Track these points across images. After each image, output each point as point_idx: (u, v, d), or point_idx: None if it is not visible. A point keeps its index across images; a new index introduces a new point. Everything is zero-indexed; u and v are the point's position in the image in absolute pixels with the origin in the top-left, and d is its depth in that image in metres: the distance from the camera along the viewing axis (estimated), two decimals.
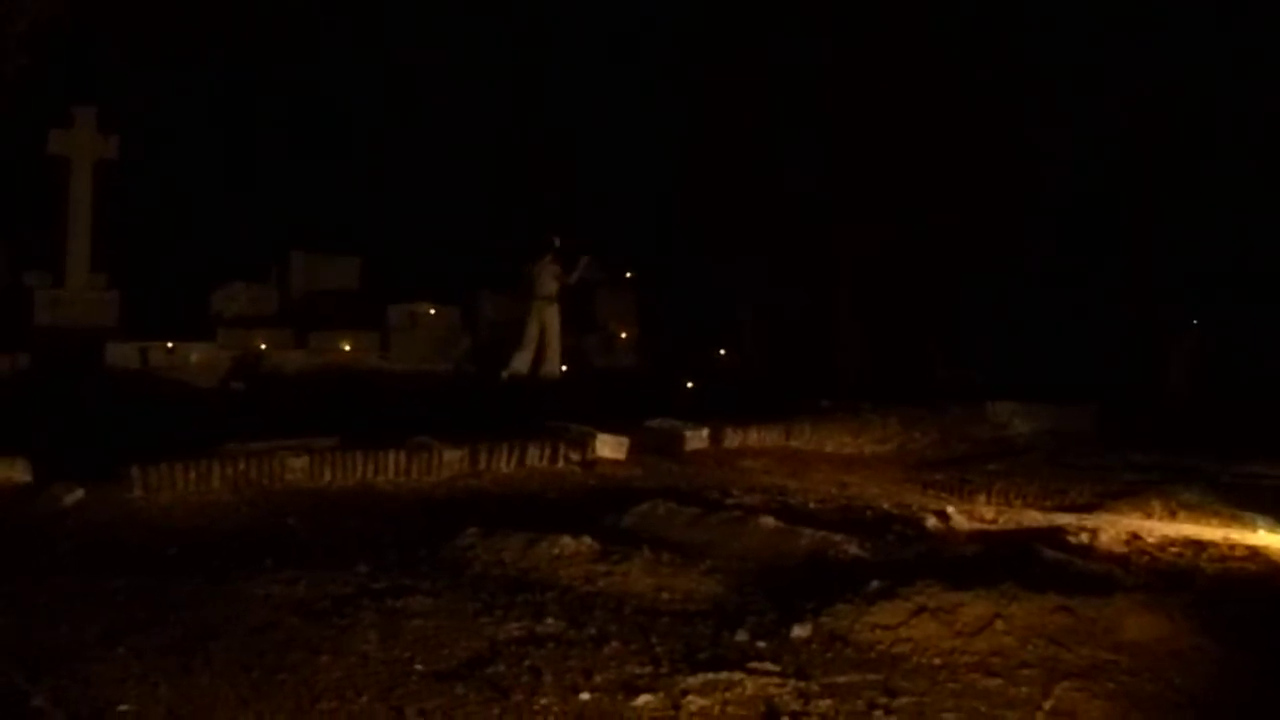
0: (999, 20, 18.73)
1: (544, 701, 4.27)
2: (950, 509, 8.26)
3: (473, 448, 9.28)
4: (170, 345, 15.08)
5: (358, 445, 8.82)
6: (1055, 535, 7.34)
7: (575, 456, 9.81)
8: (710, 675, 4.52)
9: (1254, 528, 8.12)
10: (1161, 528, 7.98)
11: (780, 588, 5.86)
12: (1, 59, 15.76)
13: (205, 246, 18.23)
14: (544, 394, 14.39)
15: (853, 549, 6.64)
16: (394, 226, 19.80)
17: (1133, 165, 20.66)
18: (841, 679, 4.59)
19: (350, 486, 8.43)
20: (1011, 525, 8.05)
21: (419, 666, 4.58)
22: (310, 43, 18.68)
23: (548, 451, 9.70)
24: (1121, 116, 20.20)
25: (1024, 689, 4.56)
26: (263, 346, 15.89)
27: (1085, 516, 8.29)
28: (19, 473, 7.78)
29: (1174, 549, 7.25)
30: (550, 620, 5.18)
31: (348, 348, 16.92)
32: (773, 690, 4.41)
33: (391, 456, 8.85)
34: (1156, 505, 8.81)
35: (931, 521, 7.74)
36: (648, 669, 4.63)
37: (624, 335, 20.21)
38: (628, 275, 21.12)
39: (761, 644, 4.97)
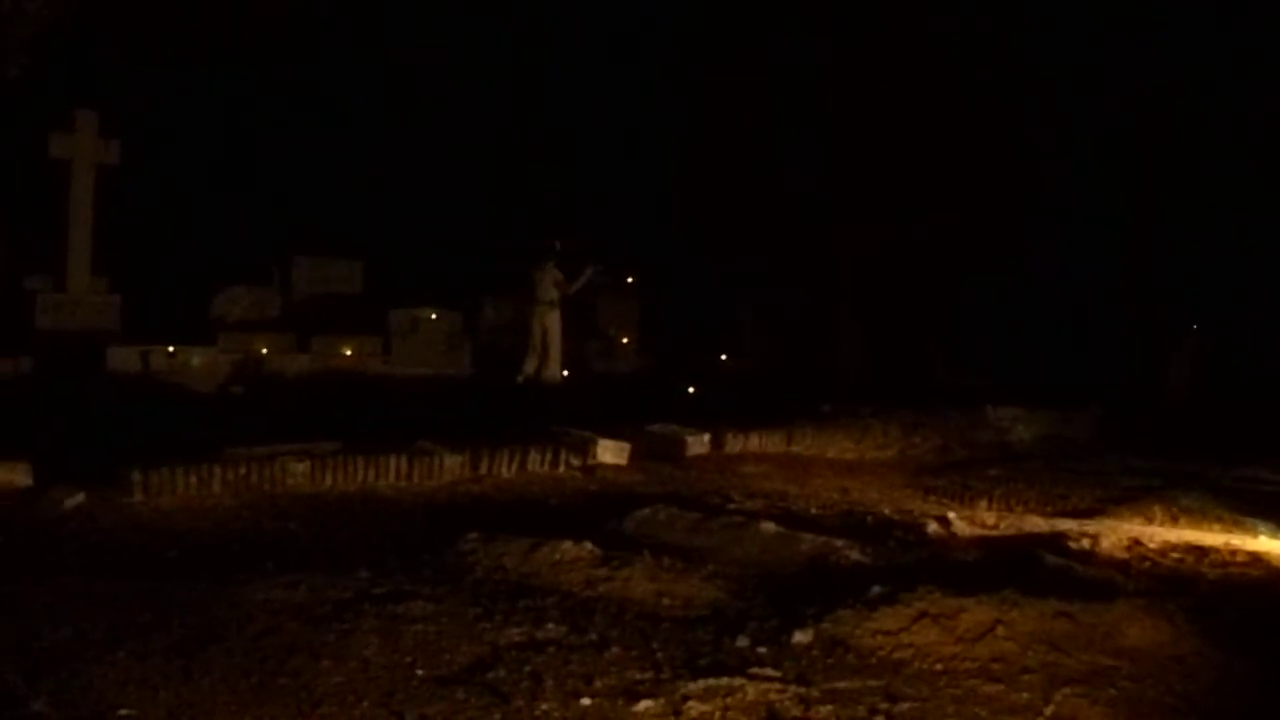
0: (999, 20, 18.73)
1: (545, 707, 4.27)
2: (951, 515, 8.26)
3: (474, 452, 9.29)
4: (171, 349, 15.07)
5: (359, 450, 8.83)
6: (1056, 541, 7.35)
7: (576, 461, 9.82)
8: (711, 681, 4.52)
9: (1255, 533, 8.13)
10: (1163, 533, 7.99)
11: (781, 593, 5.86)
12: (2, 61, 15.75)
13: (206, 250, 18.20)
14: (545, 399, 14.39)
15: (854, 554, 6.64)
16: (396, 230, 19.78)
17: (1133, 165, 20.66)
18: (842, 685, 4.59)
19: (352, 491, 8.43)
20: (1013, 531, 8.06)
21: (420, 671, 4.58)
22: (310, 43, 18.66)
23: (549, 456, 9.70)
24: (1121, 116, 20.21)
25: (1025, 694, 4.56)
26: (264, 350, 15.86)
27: (1086, 522, 8.29)
28: (20, 476, 7.78)
29: (1175, 554, 7.26)
30: (551, 625, 5.18)
31: (349, 352, 16.90)
32: (774, 696, 4.42)
33: (393, 461, 8.86)
34: (1158, 511, 8.82)
35: (933, 527, 7.74)
36: (649, 674, 4.63)
37: (625, 340, 20.21)
38: (629, 280, 21.11)
39: (762, 649, 4.97)
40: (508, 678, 4.54)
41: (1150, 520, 8.55)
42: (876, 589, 5.59)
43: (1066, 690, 4.60)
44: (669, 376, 16.91)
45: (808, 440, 11.76)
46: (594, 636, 5.08)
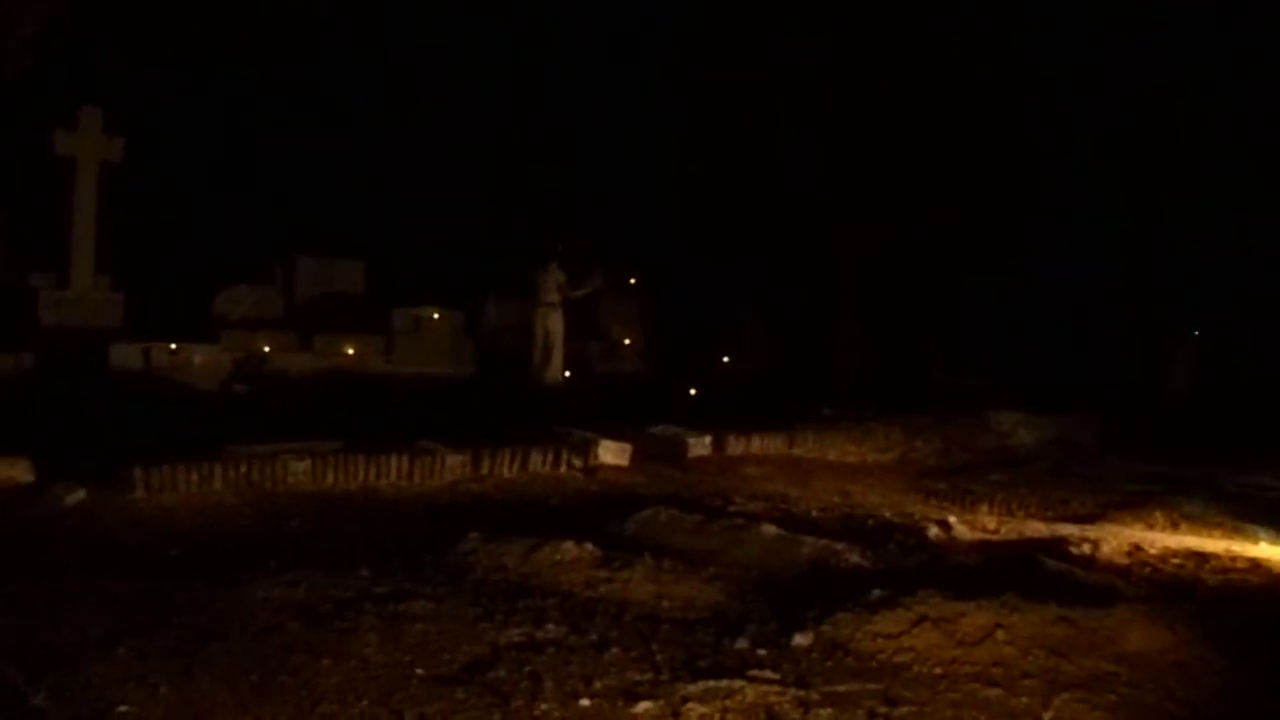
0: (999, 20, 18.73)
1: (544, 707, 4.27)
2: (952, 519, 8.26)
3: (475, 452, 9.30)
4: (174, 347, 15.10)
5: (361, 449, 8.83)
6: (1057, 546, 7.34)
7: (578, 462, 9.82)
8: (711, 683, 4.52)
9: (1256, 539, 8.12)
10: (1163, 539, 7.98)
11: (782, 596, 5.86)
12: (5, 60, 15.77)
13: (209, 248, 18.24)
14: (547, 399, 14.39)
15: (854, 558, 6.64)
16: (398, 229, 19.80)
17: (1133, 165, 20.66)
18: (842, 688, 4.59)
19: (353, 490, 8.43)
20: (1013, 535, 8.05)
21: (419, 671, 4.58)
22: (311, 43, 18.68)
23: (550, 457, 9.71)
24: (1121, 116, 20.20)
25: (1024, 699, 4.56)
26: (266, 349, 15.89)
27: (1087, 527, 8.29)
28: (21, 472, 7.79)
29: (1176, 560, 7.25)
30: (551, 626, 5.18)
31: (351, 351, 16.93)
32: (773, 699, 4.42)
33: (394, 460, 8.86)
34: (1159, 516, 8.82)
35: (933, 531, 7.74)
36: (648, 676, 4.63)
37: (627, 341, 20.22)
38: (630, 281, 21.12)
39: (762, 652, 4.97)
40: (507, 678, 4.54)
41: (1151, 526, 8.55)
42: (877, 592, 5.60)
43: (1066, 695, 4.60)
44: (670, 378, 16.93)
45: (809, 443, 11.76)
46: (594, 637, 5.08)
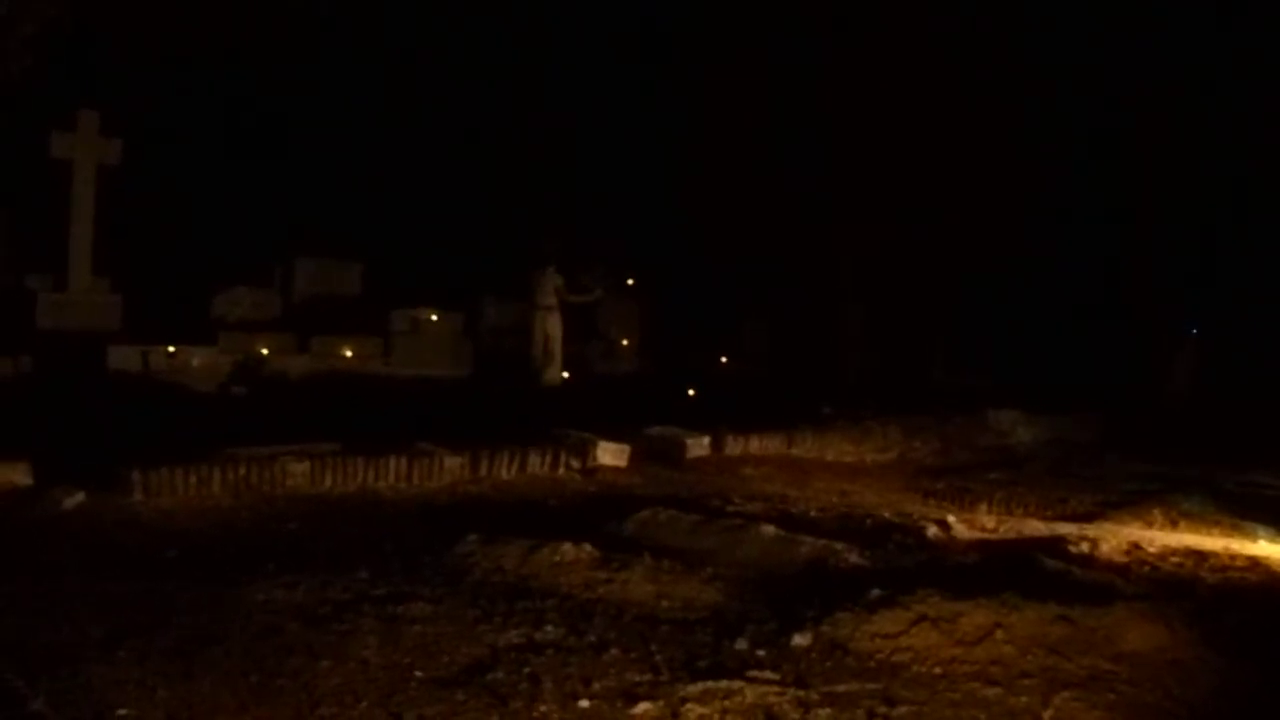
0: (999, 20, 18.73)
1: (543, 709, 4.28)
2: (951, 518, 8.26)
3: (474, 454, 9.30)
4: (172, 349, 15.09)
5: (359, 451, 8.83)
6: (1056, 545, 7.34)
7: (576, 463, 9.82)
8: (710, 683, 4.52)
9: (1255, 538, 8.12)
10: (1162, 537, 7.98)
11: (780, 596, 5.86)
12: (5, 60, 15.75)
13: (207, 250, 18.23)
14: (545, 400, 14.39)
15: (853, 557, 6.65)
16: (397, 230, 19.79)
17: (1133, 165, 20.67)
18: (841, 688, 4.59)
19: (351, 492, 8.44)
20: (1012, 534, 8.05)
21: (419, 673, 4.59)
22: (310, 43, 18.67)
23: (549, 458, 9.71)
24: (1121, 116, 20.21)
25: (1023, 699, 4.56)
26: (265, 351, 15.88)
27: (1086, 526, 8.29)
28: (20, 475, 7.78)
29: (1175, 559, 7.25)
30: (550, 627, 5.19)
31: (350, 353, 16.92)
32: (772, 699, 4.42)
33: (393, 462, 8.87)
34: (1157, 515, 8.82)
35: (932, 530, 7.74)
36: (647, 677, 4.63)
37: (625, 341, 20.22)
38: (629, 281, 21.11)
39: (761, 652, 4.97)
40: (506, 679, 4.54)
41: (1150, 524, 8.55)
42: (875, 592, 5.60)
43: (1065, 694, 4.60)
44: (669, 378, 16.92)
45: (807, 443, 11.76)
46: (593, 638, 5.08)
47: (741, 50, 19.92)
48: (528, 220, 18.96)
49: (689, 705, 4.32)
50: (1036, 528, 8.30)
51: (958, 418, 13.53)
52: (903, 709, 4.42)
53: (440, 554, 6.42)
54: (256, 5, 18.26)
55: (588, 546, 6.40)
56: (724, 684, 4.52)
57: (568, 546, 6.36)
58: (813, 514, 8.42)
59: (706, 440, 11.01)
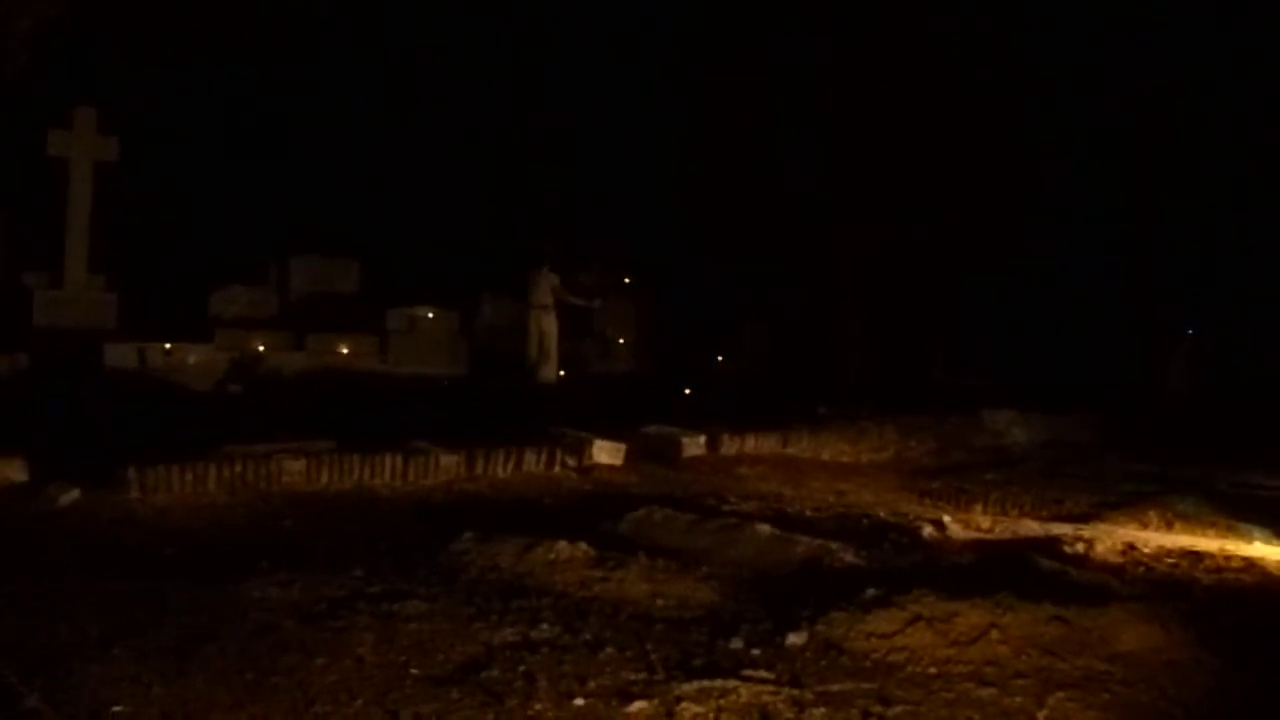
0: (999, 20, 18.75)
1: (538, 707, 4.27)
2: (946, 518, 8.27)
3: (470, 452, 9.30)
4: (168, 347, 15.09)
5: (355, 448, 8.83)
6: (1051, 545, 7.35)
7: (572, 462, 9.82)
8: (705, 682, 4.52)
9: (1250, 539, 8.12)
10: (1158, 538, 7.98)
11: (776, 595, 5.86)
12: (2, 59, 15.74)
13: (204, 248, 18.24)
14: (542, 399, 14.40)
15: (849, 557, 6.65)
16: (394, 229, 19.80)
17: (1133, 165, 20.68)
18: (836, 687, 4.59)
19: (347, 490, 8.44)
20: (1007, 535, 8.06)
21: (414, 671, 4.58)
22: (310, 43, 18.67)
23: (545, 457, 9.71)
24: (1121, 116, 20.22)
25: (1018, 699, 4.56)
26: (261, 349, 15.89)
27: (1081, 526, 8.29)
28: (15, 472, 7.79)
29: (1170, 560, 7.26)
30: (545, 626, 5.18)
31: (346, 351, 16.93)
32: (767, 698, 4.41)
33: (389, 460, 8.87)
34: (1153, 516, 8.80)
35: (928, 530, 7.74)
36: (642, 675, 4.63)
37: (622, 340, 20.22)
38: (626, 281, 21.12)
39: (756, 651, 4.97)
40: (501, 678, 4.54)
41: (1145, 525, 8.54)
42: (871, 592, 5.59)
43: (1060, 695, 4.59)
44: (666, 378, 16.93)
45: (803, 442, 11.75)
46: (588, 637, 5.08)
47: (741, 50, 19.93)
48: (526, 220, 18.97)
49: (684, 704, 4.31)
50: (1032, 528, 8.30)
51: (954, 418, 13.53)
52: (897, 709, 4.41)
53: (436, 552, 6.42)
54: (256, 5, 18.26)
55: (583, 545, 6.40)
56: (719, 683, 4.51)
57: (563, 545, 6.35)
58: (808, 513, 8.42)
59: (702, 439, 11.01)
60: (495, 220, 19.96)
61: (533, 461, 9.62)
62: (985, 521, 8.54)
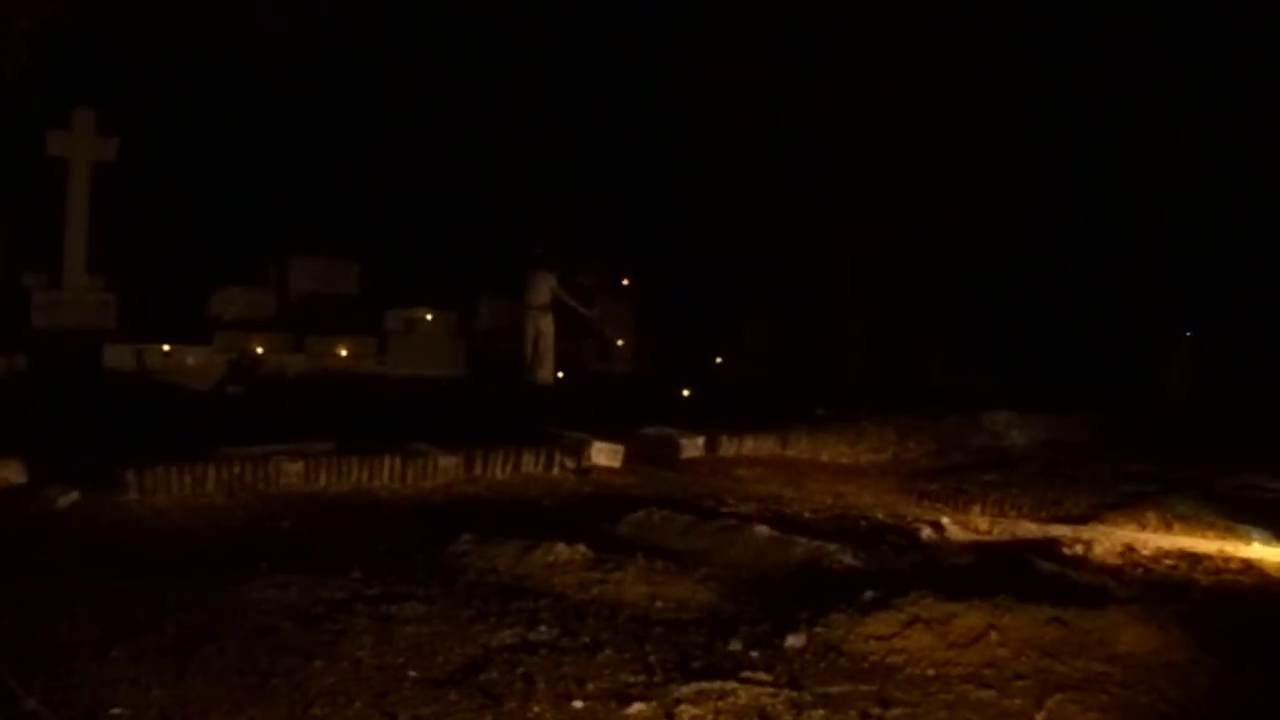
0: (999, 20, 18.75)
1: (537, 709, 4.27)
2: (945, 520, 8.27)
3: (468, 454, 9.29)
4: (167, 348, 15.08)
5: (354, 450, 8.83)
6: (1050, 547, 7.35)
7: (571, 464, 9.82)
8: (703, 684, 4.52)
9: (1249, 541, 8.12)
10: (1156, 540, 7.98)
11: (774, 597, 5.87)
12: (2, 58, 15.74)
13: (203, 249, 18.24)
14: (540, 400, 14.40)
15: (847, 559, 6.65)
16: (393, 230, 19.80)
17: (1133, 165, 20.68)
18: (834, 689, 4.59)
19: (346, 491, 8.43)
20: (1006, 536, 8.06)
21: (412, 673, 4.58)
22: (310, 43, 18.67)
23: (543, 458, 9.71)
24: (1121, 116, 20.23)
25: (1017, 700, 4.56)
26: (260, 350, 15.88)
27: (1080, 528, 8.28)
28: (14, 474, 7.78)
29: (1169, 561, 7.26)
30: (544, 628, 5.18)
31: (345, 352, 16.93)
32: (765, 700, 4.41)
33: (387, 462, 8.86)
34: (1152, 517, 8.80)
35: (926, 532, 7.74)
36: (641, 677, 4.63)
37: (621, 342, 20.22)
38: (625, 282, 21.12)
39: (755, 653, 4.97)
40: (500, 680, 4.54)
41: (1144, 526, 8.54)
42: (869, 593, 5.59)
43: (1058, 696, 4.60)
44: (665, 378, 16.92)
45: (802, 444, 11.75)
46: (586, 639, 5.08)
47: (741, 50, 19.94)
48: (526, 221, 18.97)
49: (682, 706, 4.32)
50: (1030, 529, 8.30)
51: (953, 419, 13.53)
52: (896, 711, 4.41)
53: (434, 554, 6.42)
54: (255, 5, 18.26)
55: (582, 547, 6.40)
56: (717, 685, 4.51)
57: (562, 547, 6.35)
58: (807, 515, 8.42)
59: (701, 441, 11.00)
60: (494, 221, 19.96)
61: (531, 463, 9.62)
62: (984, 523, 8.54)
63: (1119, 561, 7.17)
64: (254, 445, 8.61)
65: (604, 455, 10.06)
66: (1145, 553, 7.45)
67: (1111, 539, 7.80)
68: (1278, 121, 18.86)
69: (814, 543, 6.91)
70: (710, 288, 21.01)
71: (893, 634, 5.15)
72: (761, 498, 9.04)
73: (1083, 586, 6.12)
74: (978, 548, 7.52)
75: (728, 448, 11.17)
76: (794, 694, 4.49)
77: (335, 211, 19.65)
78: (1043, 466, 11.78)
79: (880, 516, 8.46)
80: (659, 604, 5.72)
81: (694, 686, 4.50)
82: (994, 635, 5.13)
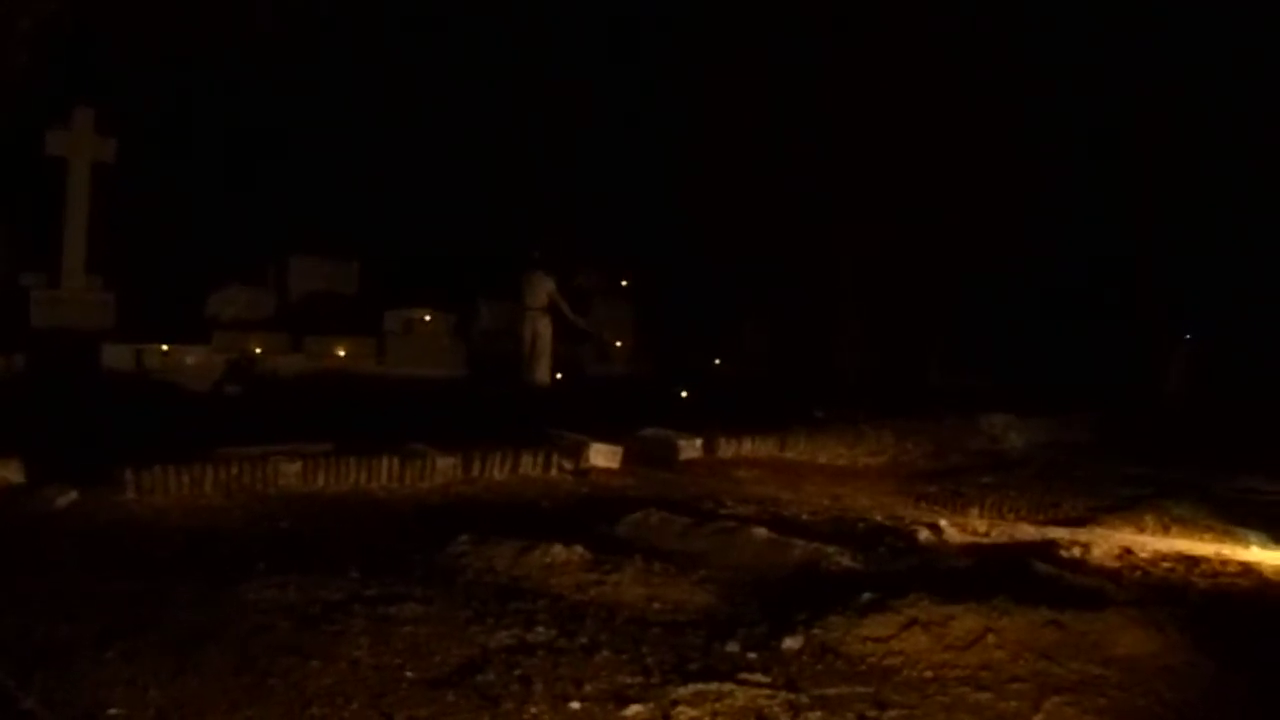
0: (999, 20, 18.76)
1: (534, 710, 4.27)
2: (943, 522, 8.26)
3: (466, 455, 9.29)
4: (166, 348, 15.08)
5: (352, 450, 8.82)
6: (1048, 549, 7.34)
7: (569, 465, 9.81)
8: (701, 686, 4.52)
9: (1247, 544, 8.12)
10: (1154, 542, 7.98)
11: (772, 599, 5.86)
12: (4, 56, 15.75)
13: (202, 249, 18.23)
14: (538, 401, 14.40)
15: (845, 561, 6.65)
16: (392, 231, 19.81)
17: (1133, 165, 20.69)
18: (831, 691, 4.59)
19: (344, 492, 8.42)
20: (1004, 539, 8.05)
21: (409, 673, 4.58)
22: (310, 43, 18.68)
23: (541, 459, 9.70)
24: (1121, 116, 20.24)
25: (1014, 703, 4.56)
26: (258, 350, 15.88)
27: (1078, 530, 8.28)
28: (12, 473, 7.76)
29: (1166, 564, 7.25)
30: (541, 629, 5.18)
31: (343, 352, 16.93)
32: (763, 702, 4.41)
33: (385, 462, 8.85)
34: (1150, 520, 8.80)
35: (924, 534, 7.74)
36: (638, 679, 4.63)
37: (619, 343, 20.22)
38: (623, 283, 21.12)
39: (752, 655, 4.97)
40: (497, 681, 4.53)
41: (1142, 529, 8.54)
42: (867, 596, 5.59)
43: (1056, 699, 4.60)
44: (663, 380, 16.92)
45: (800, 446, 11.75)
46: (584, 640, 5.07)
47: (741, 50, 19.95)
48: (525, 221, 18.98)
49: (680, 708, 4.32)
50: (1028, 532, 8.30)
51: (951, 421, 13.53)
52: (893, 713, 4.41)
53: (432, 554, 6.42)
54: (256, 5, 18.27)
55: (579, 548, 6.40)
56: (715, 686, 4.51)
57: (559, 548, 6.35)
58: (804, 517, 8.41)
59: (699, 442, 10.99)
60: (493, 222, 19.97)
61: (529, 464, 9.62)
62: (982, 525, 8.53)
63: (1117, 564, 7.17)
64: (252, 445, 8.60)
65: (602, 456, 10.06)
66: (1143, 555, 7.45)
67: (1109, 541, 7.79)
68: (1278, 121, 18.87)
69: (812, 545, 6.91)
70: (710, 288, 21.02)
71: (890, 636, 5.15)
72: (760, 499, 9.04)
73: (1080, 589, 6.11)
74: (976, 550, 7.51)
75: (726, 449, 11.16)
76: (791, 696, 4.49)
77: (335, 212, 19.65)
78: (1041, 469, 11.79)
79: (878, 518, 8.46)
80: (656, 605, 5.71)
81: (691, 688, 4.50)
82: (991, 638, 5.13)
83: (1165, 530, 8.56)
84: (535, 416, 11.64)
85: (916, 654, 5.02)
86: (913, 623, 5.23)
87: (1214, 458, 12.24)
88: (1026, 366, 18.39)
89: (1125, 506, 9.45)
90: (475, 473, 9.25)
